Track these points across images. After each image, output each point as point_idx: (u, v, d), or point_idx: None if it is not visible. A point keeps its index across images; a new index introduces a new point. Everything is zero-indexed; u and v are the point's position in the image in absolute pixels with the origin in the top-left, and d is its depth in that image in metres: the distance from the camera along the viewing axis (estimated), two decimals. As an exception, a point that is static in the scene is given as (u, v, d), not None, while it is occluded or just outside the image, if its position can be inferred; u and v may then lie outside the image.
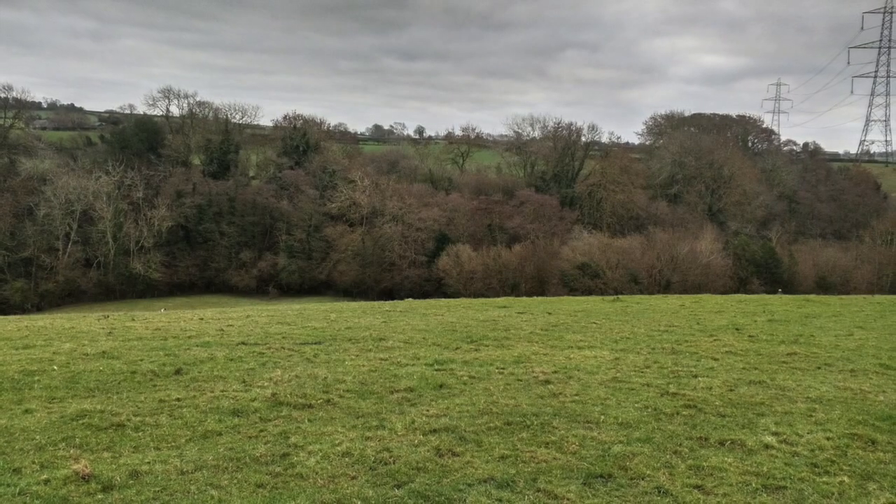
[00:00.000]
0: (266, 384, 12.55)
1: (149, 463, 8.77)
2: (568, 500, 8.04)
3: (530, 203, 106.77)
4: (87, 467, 8.46)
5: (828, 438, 10.30)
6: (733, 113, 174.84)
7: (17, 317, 28.00)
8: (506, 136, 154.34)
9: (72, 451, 9.22)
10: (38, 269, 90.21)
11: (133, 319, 22.35)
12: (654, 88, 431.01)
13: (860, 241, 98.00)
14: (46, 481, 8.17)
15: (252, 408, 11.13)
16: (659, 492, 8.31)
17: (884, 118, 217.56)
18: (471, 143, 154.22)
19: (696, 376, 14.00)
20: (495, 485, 8.36)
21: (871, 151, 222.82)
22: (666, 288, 69.86)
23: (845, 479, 8.86)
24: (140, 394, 11.99)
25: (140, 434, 9.94)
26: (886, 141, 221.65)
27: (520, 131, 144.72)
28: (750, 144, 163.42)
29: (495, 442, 9.79)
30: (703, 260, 78.49)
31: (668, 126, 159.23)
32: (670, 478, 8.70)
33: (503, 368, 14.33)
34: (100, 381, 12.81)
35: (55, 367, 13.72)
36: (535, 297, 37.53)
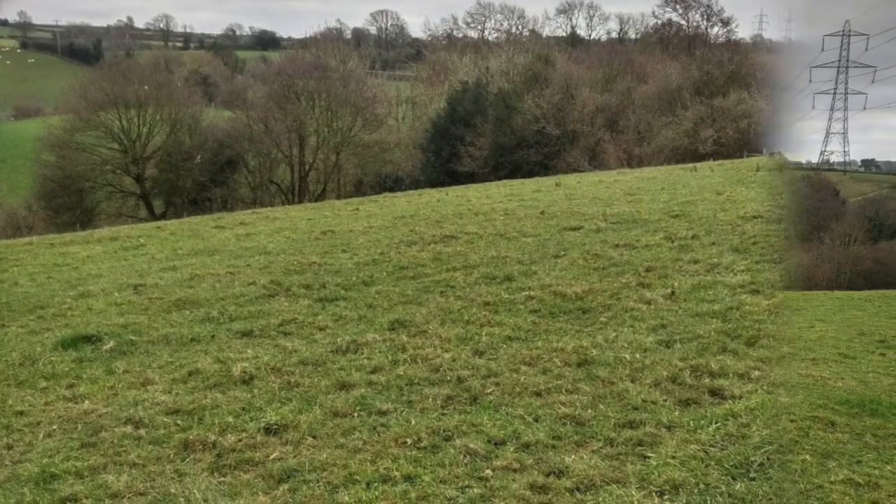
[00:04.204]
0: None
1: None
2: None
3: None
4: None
5: (791, 421, 10.27)
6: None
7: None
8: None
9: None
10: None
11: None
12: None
13: (821, 242, 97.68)
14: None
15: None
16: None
17: (842, 131, 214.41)
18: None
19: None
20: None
21: (831, 161, 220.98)
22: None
23: (807, 457, 8.84)
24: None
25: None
26: (844, 151, 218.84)
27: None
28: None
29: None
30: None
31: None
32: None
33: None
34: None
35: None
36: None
